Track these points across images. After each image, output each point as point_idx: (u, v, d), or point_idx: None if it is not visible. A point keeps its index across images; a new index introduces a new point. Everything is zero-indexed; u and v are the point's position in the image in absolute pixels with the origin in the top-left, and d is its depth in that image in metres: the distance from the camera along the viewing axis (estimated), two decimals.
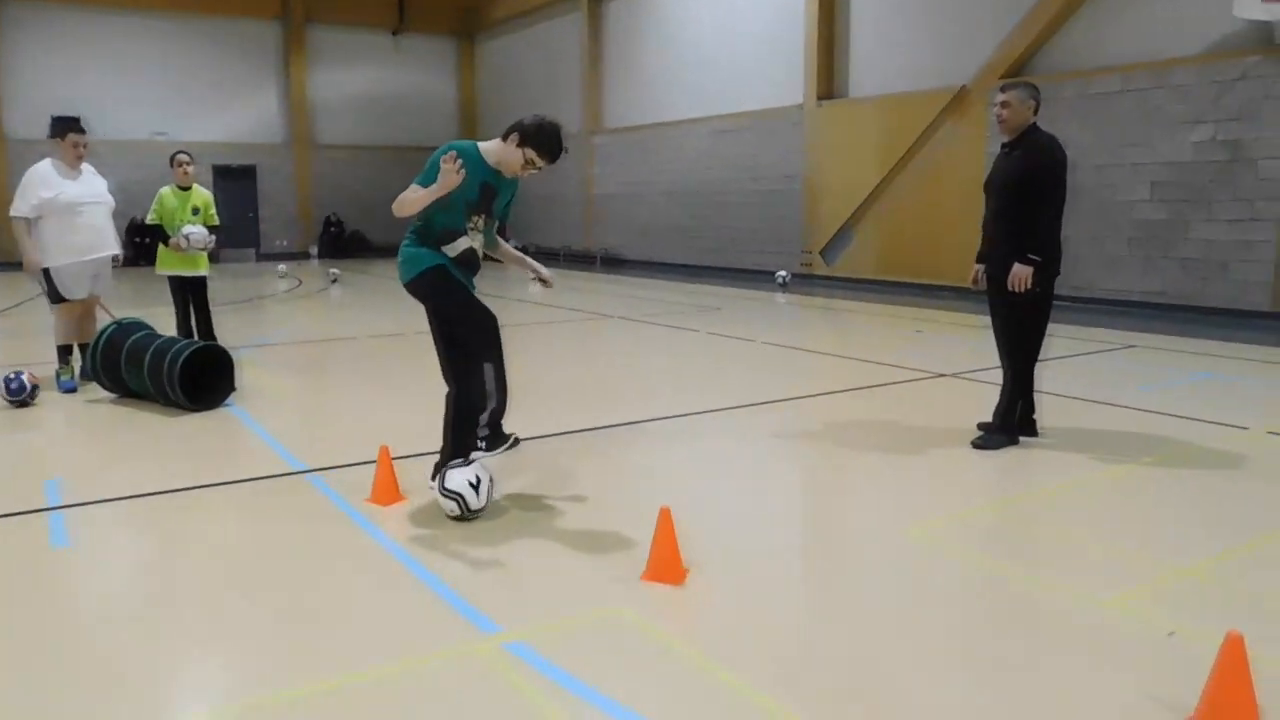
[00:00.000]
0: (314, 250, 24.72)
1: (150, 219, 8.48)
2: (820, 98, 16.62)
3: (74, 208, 7.15)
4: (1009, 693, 2.75)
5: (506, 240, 4.84)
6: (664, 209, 20.47)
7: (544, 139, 4.22)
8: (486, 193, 4.32)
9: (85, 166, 7.45)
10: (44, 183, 7.09)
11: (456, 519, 4.14)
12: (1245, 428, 5.85)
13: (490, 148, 4.31)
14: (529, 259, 4.91)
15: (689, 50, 19.70)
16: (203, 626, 3.25)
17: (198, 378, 6.63)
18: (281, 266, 19.18)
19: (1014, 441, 5.46)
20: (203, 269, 8.47)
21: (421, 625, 3.22)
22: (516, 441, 4.56)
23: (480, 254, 4.45)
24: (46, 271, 7.21)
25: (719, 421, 6.21)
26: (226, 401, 6.72)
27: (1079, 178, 12.62)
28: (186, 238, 8.09)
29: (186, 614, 3.34)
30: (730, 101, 18.61)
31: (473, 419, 4.42)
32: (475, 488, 4.08)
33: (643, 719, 2.57)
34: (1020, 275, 5.18)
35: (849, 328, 11.69)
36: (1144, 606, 3.31)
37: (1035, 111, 5.36)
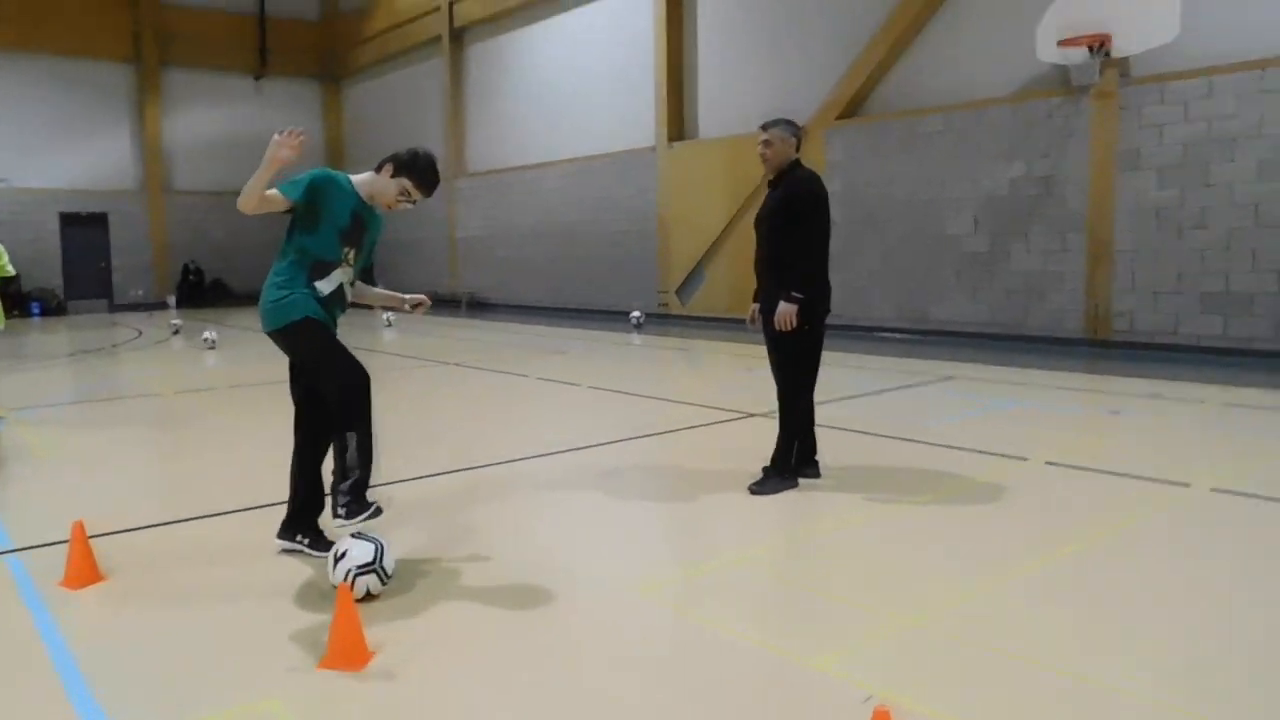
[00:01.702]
0: (171, 300, 23.76)
1: None
2: (671, 139, 16.81)
3: None
4: None
5: (373, 284, 4.62)
6: (525, 251, 20.36)
7: (420, 169, 4.07)
8: (357, 223, 4.09)
9: None
10: None
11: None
12: (1025, 459, 5.94)
13: (362, 179, 4.14)
14: (392, 293, 4.64)
15: (546, 94, 19.75)
16: None
17: None
18: (175, 320, 18.06)
19: (792, 484, 5.35)
20: None
21: None
22: (378, 511, 3.97)
23: (349, 293, 4.19)
24: None
25: (488, 476, 6.01)
26: None
27: (910, 213, 13.06)
28: None
29: None
30: (586, 143, 18.70)
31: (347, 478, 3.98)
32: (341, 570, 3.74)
33: None
34: (785, 314, 5.11)
35: (685, 368, 11.70)
36: (853, 667, 3.19)
37: (797, 148, 5.34)
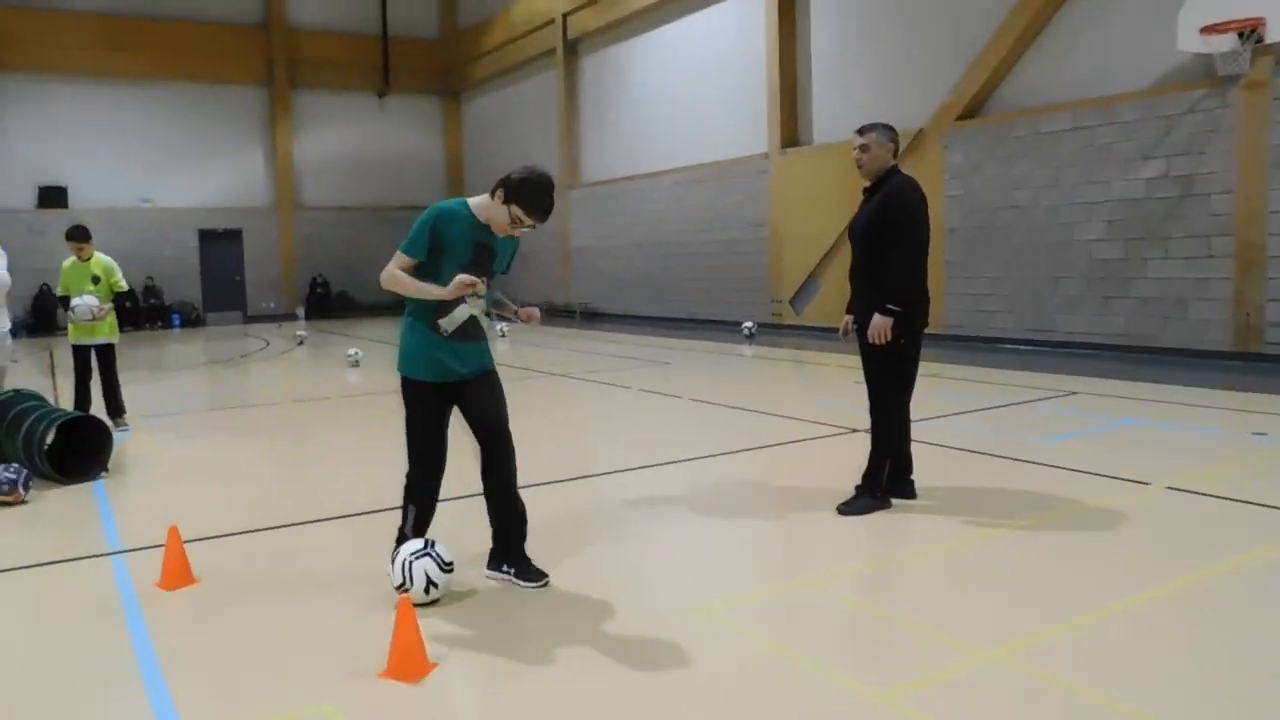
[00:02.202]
0: (300, 311, 24.78)
1: (59, 290, 8.52)
2: (784, 145, 16.48)
3: None
4: None
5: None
6: (636, 261, 20.33)
7: (529, 194, 3.81)
8: (481, 253, 3.93)
9: None
10: None
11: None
12: (1147, 483, 5.45)
13: (479, 203, 3.95)
14: (508, 302, 4.39)
15: (658, 103, 19.71)
16: None
17: (78, 447, 6.50)
18: (300, 331, 18.80)
19: (884, 505, 5.05)
20: (102, 337, 8.34)
21: None
22: (404, 589, 3.82)
23: (484, 321, 4.08)
24: None
25: (574, 489, 5.90)
26: (98, 474, 6.49)
27: (1034, 218, 12.39)
28: (73, 309, 8.05)
29: None
30: (697, 152, 18.55)
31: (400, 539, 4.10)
32: (428, 586, 3.78)
33: None
34: (879, 328, 4.88)
35: (793, 380, 11.38)
36: (921, 702, 2.94)
37: (895, 154, 5.12)
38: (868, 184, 5.16)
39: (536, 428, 8.18)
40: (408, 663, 3.18)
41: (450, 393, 4.02)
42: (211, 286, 24.30)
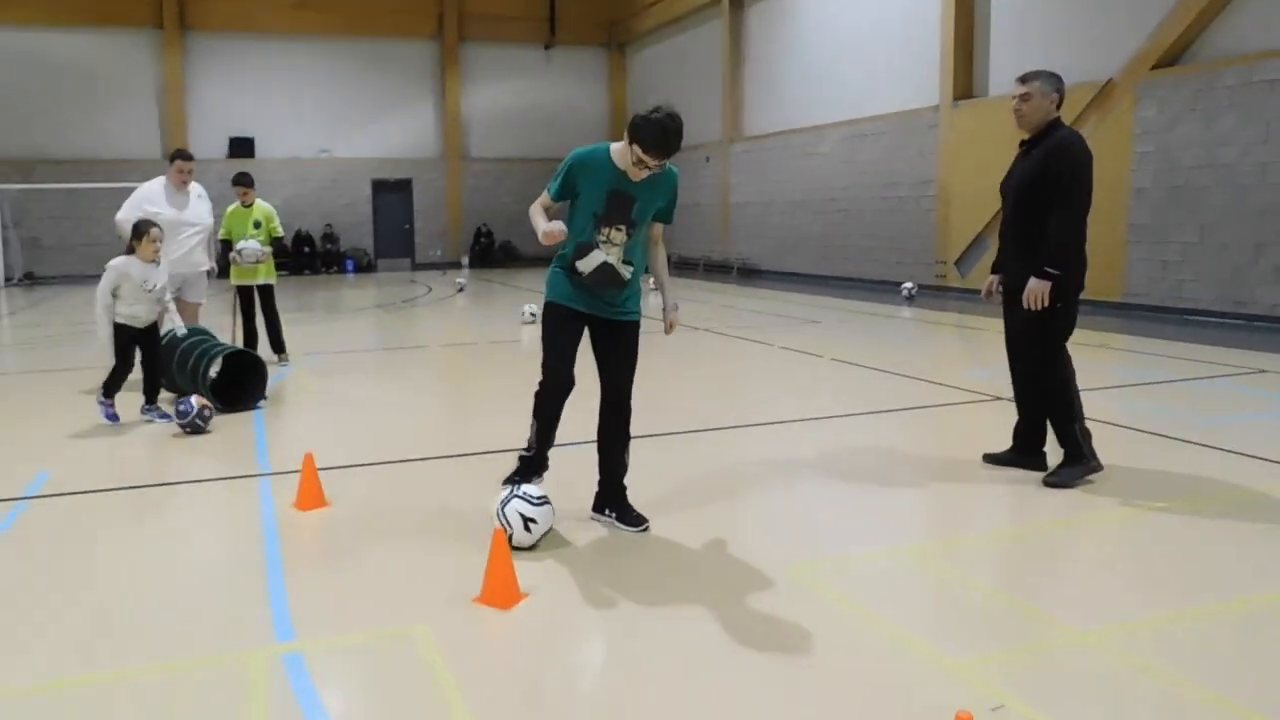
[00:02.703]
0: (465, 260, 25.60)
1: (220, 235, 8.97)
2: (957, 98, 15.59)
3: (170, 226, 7.52)
4: None
5: (667, 253, 4.30)
6: (797, 218, 19.84)
7: (644, 131, 3.67)
8: (617, 201, 3.84)
9: (193, 189, 7.93)
10: (149, 199, 7.61)
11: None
12: None
13: (619, 148, 3.86)
14: (668, 297, 4.24)
15: (824, 54, 19.02)
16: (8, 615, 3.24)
17: (239, 379, 6.92)
18: (460, 279, 19.53)
19: (1095, 468, 4.68)
20: (261, 278, 8.77)
21: (226, 628, 3.18)
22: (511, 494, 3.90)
23: (623, 270, 3.93)
24: None
25: (685, 442, 5.80)
26: (257, 404, 6.88)
27: (1238, 179, 11.24)
28: (239, 252, 8.51)
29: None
30: (865, 105, 17.82)
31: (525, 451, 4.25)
32: (526, 524, 3.76)
33: None
34: (1035, 292, 4.56)
35: (944, 344, 10.83)
36: (995, 675, 2.73)
37: (1059, 105, 4.74)
38: (1026, 136, 4.83)
39: (662, 379, 8.11)
40: (500, 590, 3.29)
41: (586, 322, 4.04)
42: (383, 234, 25.43)
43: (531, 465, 4.19)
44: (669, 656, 2.93)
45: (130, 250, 6.23)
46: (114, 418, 6.32)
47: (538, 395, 4.10)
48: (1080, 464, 4.68)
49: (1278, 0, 11.05)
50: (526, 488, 3.83)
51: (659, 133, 3.66)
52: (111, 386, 6.36)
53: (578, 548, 3.89)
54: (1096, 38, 13.14)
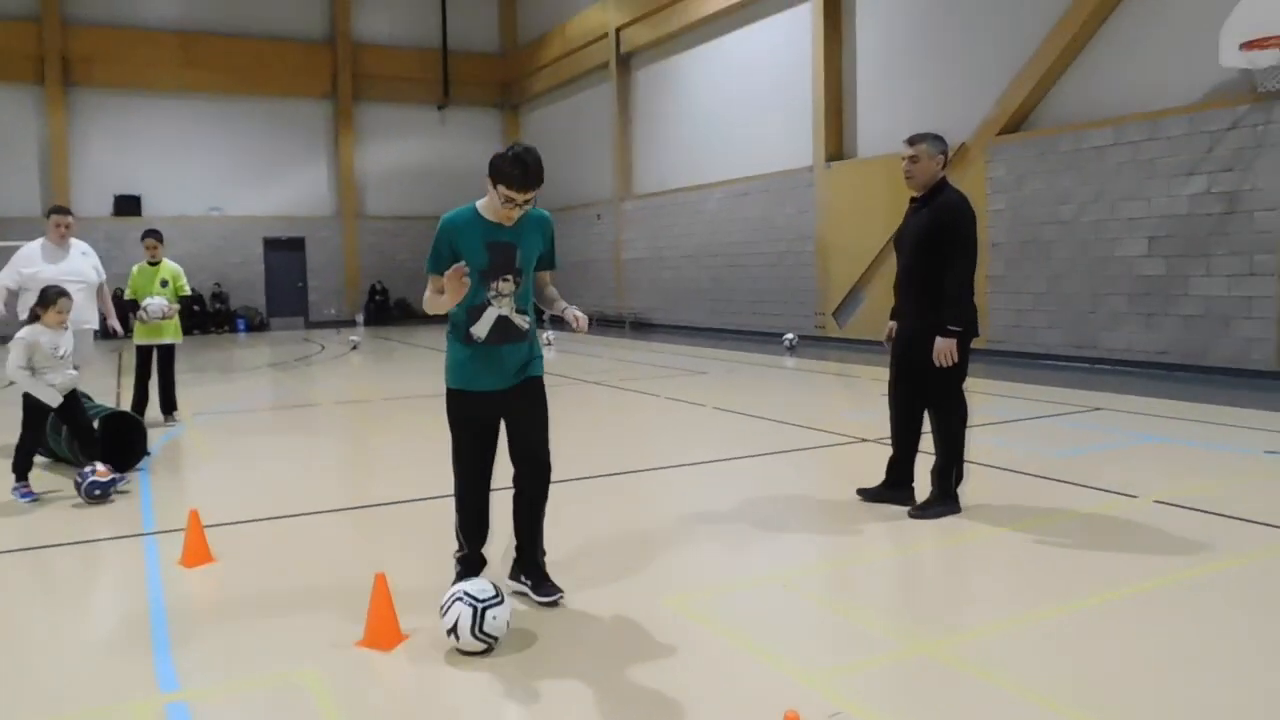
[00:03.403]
0: (359, 318, 25.50)
1: (127, 294, 9.00)
2: (829, 158, 16.57)
3: (46, 283, 7.46)
4: None
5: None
6: (687, 272, 20.55)
7: (505, 169, 3.63)
8: (498, 251, 3.79)
9: (74, 245, 7.85)
10: (26, 260, 7.53)
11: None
12: (1135, 496, 5.48)
13: (485, 202, 3.82)
14: (565, 306, 4.18)
15: (708, 116, 19.94)
16: None
17: (119, 442, 6.92)
18: (354, 337, 19.53)
19: (955, 509, 5.13)
20: (168, 338, 8.81)
21: (112, 681, 3.33)
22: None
23: (519, 320, 3.88)
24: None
25: (571, 490, 6.13)
26: (139, 466, 6.92)
27: (1078, 233, 12.30)
28: (145, 309, 8.53)
29: None
30: (746, 165, 18.71)
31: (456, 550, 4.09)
32: (453, 630, 3.40)
33: None
34: (943, 350, 4.94)
35: (822, 391, 11.46)
36: (838, 684, 3.12)
37: (944, 165, 5.14)
38: (916, 195, 5.20)
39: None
40: (381, 633, 3.52)
41: (494, 403, 3.90)
42: (276, 292, 25.18)
43: (469, 566, 4.00)
44: (546, 686, 3.22)
45: (34, 318, 6.09)
46: (31, 497, 6.06)
47: (456, 494, 3.98)
48: (946, 503, 5.14)
49: (1100, 75, 12.27)
50: (487, 626, 3.39)
51: (520, 167, 3.63)
52: (22, 464, 6.14)
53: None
54: (952, 104, 14.25)
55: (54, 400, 6.01)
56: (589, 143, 24.18)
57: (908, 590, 4.30)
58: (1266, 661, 3.28)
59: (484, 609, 3.35)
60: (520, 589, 4.03)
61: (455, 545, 4.09)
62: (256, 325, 24.51)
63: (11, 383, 6.12)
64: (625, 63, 22.52)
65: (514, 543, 4.08)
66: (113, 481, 5.98)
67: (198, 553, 4.61)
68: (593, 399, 10.43)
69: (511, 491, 4.03)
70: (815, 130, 16.81)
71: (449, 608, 3.39)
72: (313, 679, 3.27)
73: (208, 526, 4.82)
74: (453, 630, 3.36)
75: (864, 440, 7.38)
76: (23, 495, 6.06)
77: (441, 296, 3.73)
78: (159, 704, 3.11)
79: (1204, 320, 11.07)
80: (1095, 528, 4.94)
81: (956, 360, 4.98)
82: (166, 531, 5.22)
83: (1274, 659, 3.30)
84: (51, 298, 6.06)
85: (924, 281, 5.05)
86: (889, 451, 5.47)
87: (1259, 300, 10.54)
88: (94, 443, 6.33)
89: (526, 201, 3.72)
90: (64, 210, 7.85)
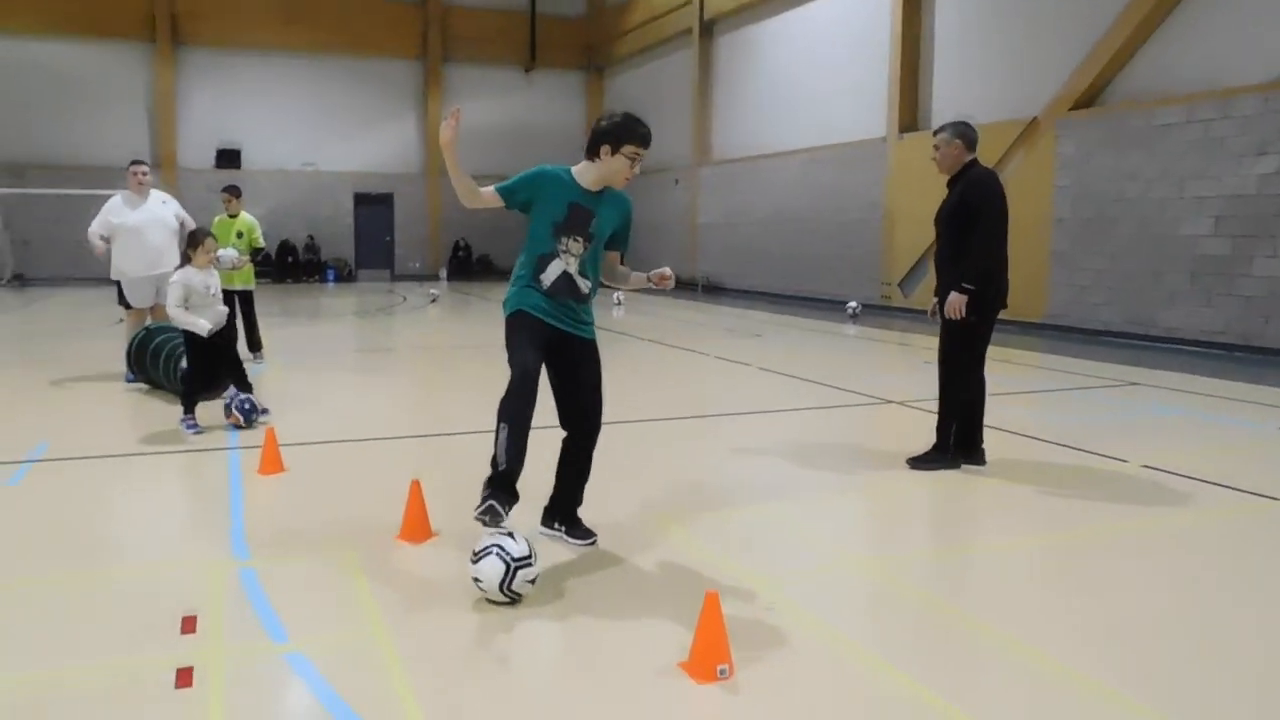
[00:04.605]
0: (443, 273, 26.47)
1: None
2: (902, 130, 16.65)
3: (135, 231, 8.31)
4: None
5: (627, 269, 4.36)
6: (759, 238, 20.85)
7: (630, 128, 3.95)
8: (576, 214, 3.98)
9: (154, 194, 8.67)
10: (113, 211, 8.37)
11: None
12: (1124, 460, 5.81)
13: (581, 169, 4.04)
14: (641, 274, 4.34)
15: (787, 84, 20.10)
16: None
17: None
18: (434, 290, 20.55)
19: (952, 465, 5.50)
20: (239, 284, 9.56)
21: (198, 548, 4.03)
22: (496, 518, 3.72)
23: (581, 282, 4.02)
24: (118, 283, 8.50)
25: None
26: (226, 395, 7.72)
27: (1142, 211, 12.28)
28: (218, 258, 9.32)
29: None
30: (821, 134, 18.86)
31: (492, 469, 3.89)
32: (480, 581, 3.48)
33: None
34: (954, 304, 5.28)
35: (871, 357, 11.77)
36: (785, 587, 3.65)
37: (971, 148, 5.50)
38: (947, 177, 5.61)
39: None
40: (414, 529, 4.21)
41: (549, 332, 4.00)
42: (364, 245, 26.34)
43: (502, 483, 3.78)
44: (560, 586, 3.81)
45: (186, 260, 6.61)
46: (196, 429, 6.38)
47: (505, 397, 3.86)
48: (942, 457, 5.52)
49: (1173, 52, 12.15)
50: (516, 585, 3.47)
51: (643, 126, 4.00)
52: (190, 400, 6.50)
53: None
54: (1025, 78, 14.21)
55: (203, 330, 6.33)
56: (669, 108, 24.50)
57: (875, 523, 4.81)
58: (1173, 594, 3.68)
59: (516, 568, 3.43)
60: (554, 534, 4.22)
61: (492, 459, 3.86)
62: (345, 276, 25.71)
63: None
64: (708, 29, 22.74)
65: (551, 493, 4.26)
66: (262, 410, 6.62)
67: (272, 463, 5.35)
68: (640, 354, 10.97)
69: (559, 448, 4.20)
70: (890, 102, 16.89)
71: (482, 558, 3.46)
72: (354, 559, 3.95)
73: (282, 445, 5.55)
74: (480, 581, 3.46)
75: (888, 402, 7.76)
76: (188, 427, 6.38)
77: (460, 181, 3.93)
78: (234, 567, 3.86)
79: (1265, 301, 11.02)
80: (1071, 484, 5.32)
81: (964, 315, 5.28)
82: (247, 447, 5.97)
83: (1180, 591, 3.70)
84: (200, 238, 6.60)
85: (957, 256, 5.39)
86: (909, 414, 5.81)
87: None
88: (243, 374, 6.74)
89: (641, 157, 4.01)
90: (139, 160, 8.60)
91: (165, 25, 23.73)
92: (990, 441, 5.82)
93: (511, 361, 3.93)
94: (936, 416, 5.66)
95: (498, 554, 3.43)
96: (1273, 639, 3.29)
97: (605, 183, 4.02)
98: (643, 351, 11.23)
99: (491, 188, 4.00)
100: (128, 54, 23.91)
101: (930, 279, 13.41)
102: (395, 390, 8.96)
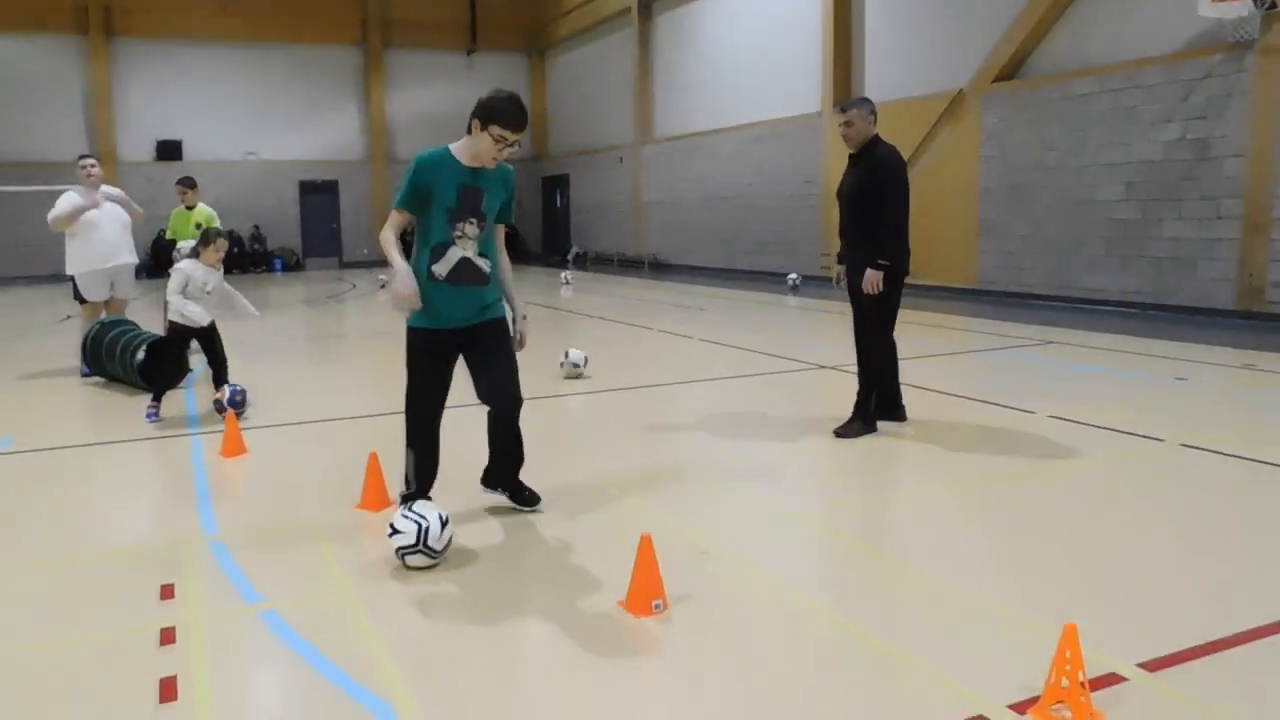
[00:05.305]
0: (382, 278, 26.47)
1: (167, 235, 10.01)
2: (836, 106, 17.07)
3: (91, 224, 8.43)
4: None
5: (510, 242, 4.40)
6: (702, 215, 21.26)
7: (498, 108, 3.85)
8: (466, 196, 3.97)
9: (104, 188, 8.78)
10: (70, 203, 8.46)
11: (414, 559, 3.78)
12: (1032, 412, 6.32)
13: (460, 145, 4.00)
14: (516, 307, 4.34)
15: (723, 62, 20.46)
16: None
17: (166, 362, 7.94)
18: (383, 276, 20.55)
19: (871, 429, 5.84)
20: None
21: (169, 525, 4.34)
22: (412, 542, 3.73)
23: (481, 263, 4.05)
24: (72, 278, 8.61)
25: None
26: (181, 385, 7.95)
27: (1061, 179, 12.88)
28: (178, 250, 9.52)
29: None
30: (758, 110, 19.28)
31: (406, 487, 4.25)
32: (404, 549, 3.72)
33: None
34: (872, 279, 5.58)
35: (806, 326, 12.26)
36: (704, 529, 4.07)
37: (874, 123, 5.77)
38: (853, 152, 5.83)
39: (532, 354, 9.36)
40: (372, 498, 4.55)
41: (452, 341, 4.08)
42: (311, 234, 26.27)
43: (416, 500, 3.99)
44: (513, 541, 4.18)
45: (196, 254, 6.83)
46: (158, 418, 6.58)
47: (407, 427, 4.13)
48: (865, 423, 5.86)
49: (1088, 26, 12.73)
50: (431, 541, 3.70)
51: (515, 107, 3.87)
52: (160, 390, 6.76)
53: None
54: (950, 54, 14.74)
55: (204, 321, 6.61)
56: (611, 88, 24.76)
57: (805, 480, 5.24)
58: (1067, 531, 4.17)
59: (429, 527, 3.67)
60: (497, 495, 4.41)
61: (403, 487, 4.26)
62: (293, 265, 25.66)
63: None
64: (646, 9, 22.98)
65: (487, 461, 4.43)
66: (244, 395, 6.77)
67: (234, 445, 5.65)
68: (587, 330, 11.35)
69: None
70: (824, 78, 17.34)
71: (397, 528, 3.69)
72: (318, 528, 4.28)
73: (244, 429, 5.82)
74: (404, 548, 3.68)
75: (822, 367, 8.23)
76: (152, 416, 6.59)
77: (389, 250, 3.96)
78: (204, 542, 4.16)
79: (1173, 262, 11.69)
80: (978, 435, 5.83)
81: (881, 289, 5.65)
82: (208, 432, 6.25)
83: (1073, 524, 4.19)
84: (211, 237, 6.81)
85: (867, 228, 5.66)
86: (843, 377, 6.15)
87: (1224, 243, 11.13)
88: (225, 370, 6.90)
89: (515, 142, 3.90)
90: (87, 156, 8.67)
91: (99, 17, 23.38)
92: (911, 400, 6.29)
93: (408, 392, 4.11)
94: (857, 385, 5.98)
95: (410, 517, 3.72)
96: (1146, 560, 3.78)
97: (477, 160, 3.96)
98: (588, 328, 11.59)
99: (394, 212, 3.99)
100: (61, 47, 23.52)
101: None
102: (349, 374, 9.23)
